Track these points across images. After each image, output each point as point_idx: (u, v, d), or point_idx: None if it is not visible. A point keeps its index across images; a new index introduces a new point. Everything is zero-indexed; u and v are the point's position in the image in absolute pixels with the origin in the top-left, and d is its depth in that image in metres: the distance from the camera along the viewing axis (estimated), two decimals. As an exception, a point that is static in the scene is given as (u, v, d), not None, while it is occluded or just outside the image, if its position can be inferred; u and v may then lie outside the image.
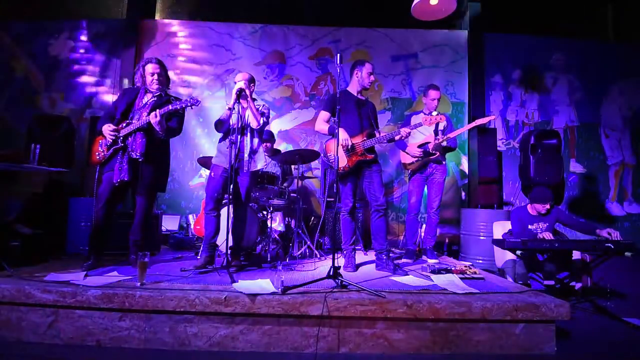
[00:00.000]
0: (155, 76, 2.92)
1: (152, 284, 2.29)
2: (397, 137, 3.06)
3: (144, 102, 2.92)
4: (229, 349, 2.07)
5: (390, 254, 3.10)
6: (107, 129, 2.80)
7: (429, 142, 3.66)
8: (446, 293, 2.29)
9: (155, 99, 2.92)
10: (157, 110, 2.75)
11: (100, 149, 2.85)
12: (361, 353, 2.08)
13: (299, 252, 3.59)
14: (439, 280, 2.60)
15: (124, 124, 2.83)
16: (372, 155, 3.05)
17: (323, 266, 3.15)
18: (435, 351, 2.10)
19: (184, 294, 2.09)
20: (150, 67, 2.92)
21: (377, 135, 3.06)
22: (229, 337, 2.09)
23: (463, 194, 5.37)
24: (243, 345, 2.08)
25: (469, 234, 4.35)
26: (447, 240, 5.07)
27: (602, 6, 6.07)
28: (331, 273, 2.35)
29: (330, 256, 3.28)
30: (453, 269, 2.89)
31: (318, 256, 3.58)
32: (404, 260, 3.65)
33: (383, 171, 3.42)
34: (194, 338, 2.09)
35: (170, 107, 2.75)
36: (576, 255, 3.18)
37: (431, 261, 3.56)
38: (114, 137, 2.79)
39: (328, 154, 3.07)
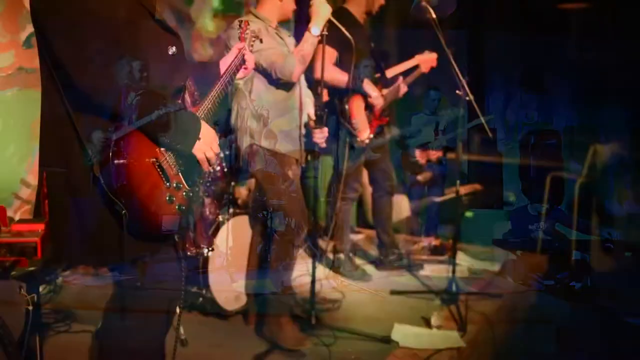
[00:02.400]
0: (146, 74, 2.90)
1: (152, 284, 2.29)
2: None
3: (128, 102, 2.89)
4: (229, 349, 2.07)
5: (391, 254, 3.10)
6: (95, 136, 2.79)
7: (429, 143, 3.66)
8: (446, 293, 2.29)
9: (139, 97, 2.89)
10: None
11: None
12: (361, 354, 2.08)
13: (299, 252, 3.58)
14: (439, 280, 2.60)
15: (113, 127, 2.81)
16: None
17: (323, 266, 3.15)
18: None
19: (184, 294, 2.09)
20: (137, 65, 2.90)
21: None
22: (229, 337, 2.09)
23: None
24: (243, 345, 2.08)
25: (469, 234, 4.34)
26: (447, 241, 5.06)
27: (602, 6, 6.06)
28: (331, 273, 2.35)
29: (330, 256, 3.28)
30: (453, 268, 2.89)
31: (318, 256, 3.57)
32: (404, 260, 3.65)
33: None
34: (194, 338, 2.09)
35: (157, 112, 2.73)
36: (576, 255, 3.17)
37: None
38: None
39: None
